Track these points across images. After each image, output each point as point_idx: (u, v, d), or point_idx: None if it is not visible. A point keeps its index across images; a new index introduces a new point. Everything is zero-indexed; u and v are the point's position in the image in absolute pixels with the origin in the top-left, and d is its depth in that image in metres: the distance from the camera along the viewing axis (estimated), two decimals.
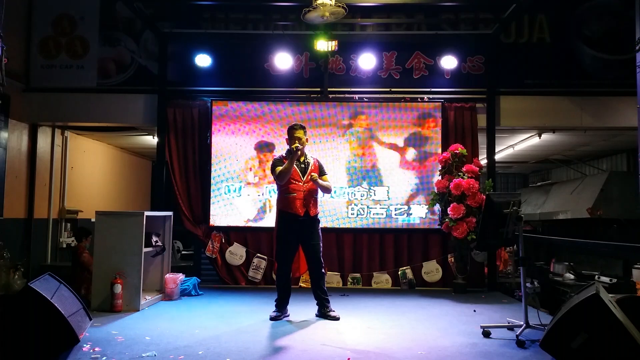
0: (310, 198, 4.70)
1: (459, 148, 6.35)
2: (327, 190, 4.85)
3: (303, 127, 4.76)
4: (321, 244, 4.77)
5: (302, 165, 4.71)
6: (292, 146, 4.61)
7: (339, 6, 5.13)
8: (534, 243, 8.72)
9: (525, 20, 6.89)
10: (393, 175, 6.71)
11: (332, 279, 6.53)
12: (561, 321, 3.15)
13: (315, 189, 4.76)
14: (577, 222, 8.48)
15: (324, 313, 4.67)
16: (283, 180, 4.61)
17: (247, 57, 6.94)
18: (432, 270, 6.64)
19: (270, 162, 4.83)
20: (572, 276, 7.53)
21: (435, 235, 6.67)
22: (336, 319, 4.60)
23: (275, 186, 5.02)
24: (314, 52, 6.51)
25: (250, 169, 6.77)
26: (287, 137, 4.78)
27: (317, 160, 4.86)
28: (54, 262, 7.28)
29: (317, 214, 4.79)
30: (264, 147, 6.80)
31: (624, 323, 2.96)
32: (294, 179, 4.64)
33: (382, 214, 6.69)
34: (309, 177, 4.67)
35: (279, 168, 4.61)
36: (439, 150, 6.67)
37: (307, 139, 4.79)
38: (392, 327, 4.38)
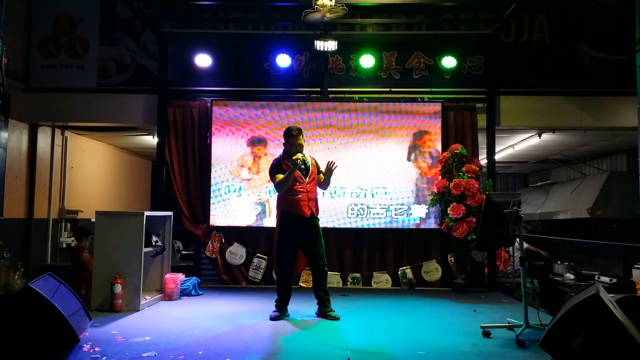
0: (314, 197, 4.71)
1: (459, 148, 6.35)
2: (328, 186, 4.87)
3: (300, 131, 4.75)
4: (323, 243, 4.77)
5: (303, 166, 4.69)
6: (295, 157, 4.56)
7: (339, 6, 5.13)
8: (533, 243, 8.71)
9: (525, 20, 6.89)
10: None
11: (332, 279, 6.52)
12: (561, 321, 3.15)
13: (316, 188, 4.77)
14: (577, 222, 8.48)
15: (324, 313, 4.67)
16: (282, 191, 4.63)
17: (247, 57, 6.94)
18: (431, 269, 6.65)
19: (269, 165, 4.81)
20: (572, 276, 7.53)
21: (435, 235, 6.67)
22: (336, 319, 4.60)
23: (274, 186, 5.00)
24: (314, 52, 6.51)
25: (243, 165, 6.77)
26: (283, 140, 4.77)
27: (314, 159, 4.86)
28: (54, 262, 7.28)
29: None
30: (260, 142, 6.79)
31: (624, 323, 2.96)
32: (297, 181, 4.63)
33: (382, 214, 6.69)
34: (328, 168, 4.65)
35: (279, 177, 4.60)
36: (439, 150, 6.67)
37: (304, 139, 4.78)
38: (392, 327, 4.38)
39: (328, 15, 5.21)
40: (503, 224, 4.03)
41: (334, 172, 4.69)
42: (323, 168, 4.87)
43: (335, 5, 5.15)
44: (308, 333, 4.17)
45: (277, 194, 4.81)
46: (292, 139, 4.67)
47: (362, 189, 6.71)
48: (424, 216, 6.67)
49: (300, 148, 4.66)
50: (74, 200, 7.83)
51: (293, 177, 4.57)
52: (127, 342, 3.77)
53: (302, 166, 4.61)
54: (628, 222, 7.51)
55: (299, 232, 4.65)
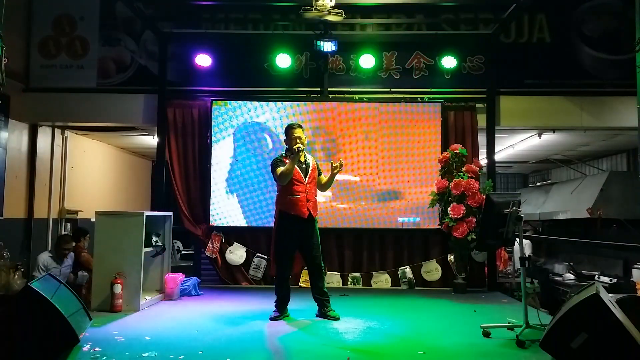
0: (313, 199, 4.69)
1: (459, 148, 6.35)
2: (327, 189, 4.88)
3: (301, 127, 4.75)
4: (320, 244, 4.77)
5: (304, 166, 4.69)
6: (294, 147, 4.56)
7: (338, 11, 5.15)
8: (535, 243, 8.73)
9: (525, 20, 6.89)
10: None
11: (332, 278, 6.53)
12: (561, 321, 3.15)
13: (316, 189, 4.76)
14: (577, 222, 8.49)
15: (324, 313, 4.66)
16: (285, 182, 4.57)
17: (247, 57, 6.93)
18: (431, 269, 6.64)
19: (270, 162, 4.81)
20: (572, 276, 7.54)
21: (435, 235, 6.67)
22: (336, 319, 4.59)
23: (274, 186, 5.01)
24: (314, 52, 6.51)
25: (243, 165, 6.79)
26: (285, 137, 4.77)
27: (315, 161, 4.86)
28: None
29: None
30: (259, 142, 6.80)
31: (624, 323, 2.96)
32: (297, 180, 4.61)
33: (382, 214, 6.68)
34: (336, 165, 4.60)
35: (280, 169, 4.57)
36: (439, 150, 6.66)
37: (305, 138, 4.79)
38: (392, 327, 4.38)
39: (327, 17, 5.23)
40: (503, 224, 4.03)
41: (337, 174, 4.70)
42: (323, 171, 4.90)
43: (334, 7, 5.17)
44: (308, 333, 4.17)
45: (276, 194, 4.81)
46: (291, 131, 4.67)
47: (362, 189, 6.71)
48: (424, 216, 6.67)
49: (300, 141, 4.62)
50: (74, 200, 7.83)
51: (294, 168, 4.53)
52: (127, 342, 3.77)
53: (301, 154, 4.59)
54: (628, 222, 7.52)
55: (297, 233, 4.64)
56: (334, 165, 4.61)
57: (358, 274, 6.68)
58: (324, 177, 4.80)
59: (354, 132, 6.75)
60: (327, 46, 6.26)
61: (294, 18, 6.65)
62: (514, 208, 4.00)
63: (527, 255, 4.10)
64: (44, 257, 5.92)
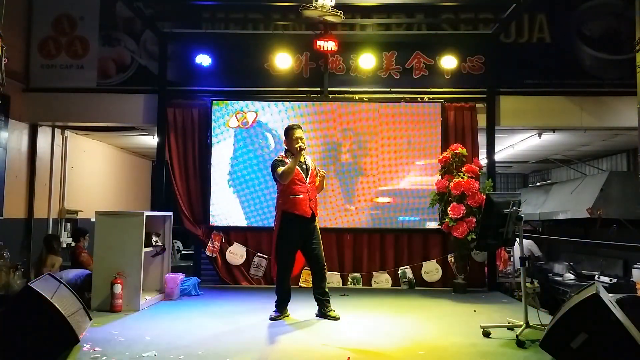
0: (314, 198, 4.73)
1: (459, 148, 6.35)
2: (320, 190, 4.95)
3: (301, 127, 4.77)
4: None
5: (304, 166, 4.70)
6: (296, 146, 4.59)
7: (337, 12, 5.16)
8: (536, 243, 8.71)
9: (525, 20, 6.89)
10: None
11: (332, 278, 6.52)
12: (561, 321, 3.16)
13: (316, 190, 4.78)
14: (577, 222, 8.49)
15: (324, 313, 4.67)
16: (286, 181, 4.58)
17: (247, 57, 6.93)
18: (431, 270, 6.64)
19: (271, 163, 4.82)
20: (572, 276, 7.54)
21: (435, 235, 6.67)
22: (336, 319, 4.60)
23: (274, 186, 5.01)
24: (314, 52, 6.51)
25: (242, 165, 6.79)
26: (284, 138, 4.79)
27: (314, 162, 4.89)
28: None
29: None
30: (259, 142, 6.80)
31: (624, 323, 2.96)
32: (298, 180, 4.62)
33: (382, 214, 6.68)
34: (320, 175, 4.76)
35: (281, 168, 4.58)
36: (439, 150, 6.66)
37: (305, 139, 4.79)
38: (392, 327, 4.38)
39: (326, 18, 5.24)
40: (503, 224, 4.03)
41: (326, 178, 4.92)
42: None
43: (334, 7, 5.17)
44: (308, 333, 4.17)
45: (277, 195, 4.81)
46: (291, 131, 4.69)
47: (362, 189, 6.71)
48: (424, 216, 6.66)
49: (301, 141, 4.64)
50: (74, 200, 7.82)
51: (296, 167, 4.55)
52: (127, 342, 3.77)
53: (302, 149, 4.60)
54: (628, 222, 7.52)
55: (299, 233, 4.65)
56: (320, 173, 4.77)
57: (358, 274, 6.68)
58: (318, 180, 4.84)
59: (354, 132, 6.75)
60: (326, 46, 6.25)
61: (293, 18, 6.66)
62: (514, 208, 4.00)
63: (527, 256, 4.11)
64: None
